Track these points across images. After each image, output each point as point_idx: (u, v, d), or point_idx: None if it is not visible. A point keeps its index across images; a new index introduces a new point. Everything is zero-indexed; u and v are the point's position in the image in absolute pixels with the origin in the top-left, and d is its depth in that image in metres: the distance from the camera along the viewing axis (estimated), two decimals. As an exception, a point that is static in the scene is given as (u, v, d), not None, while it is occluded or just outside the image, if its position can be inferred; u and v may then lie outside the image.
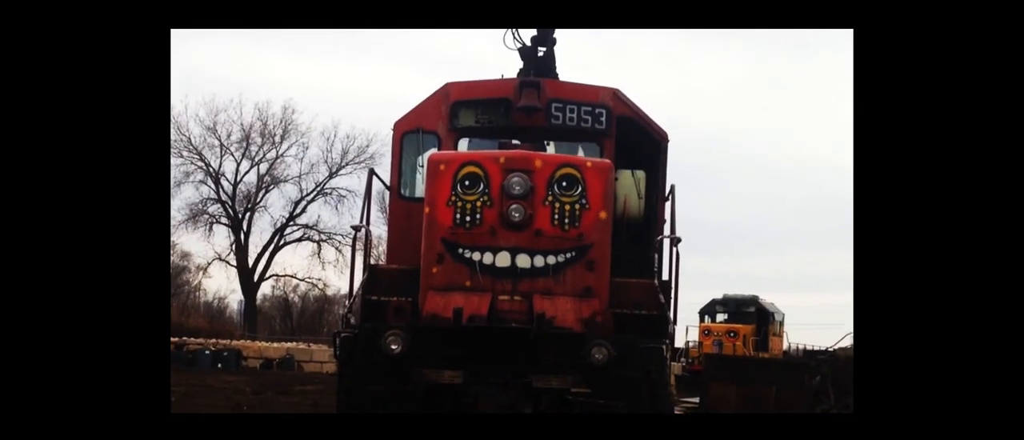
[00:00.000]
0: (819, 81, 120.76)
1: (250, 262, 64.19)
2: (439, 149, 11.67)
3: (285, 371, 41.67)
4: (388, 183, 12.22)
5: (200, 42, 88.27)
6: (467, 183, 10.26)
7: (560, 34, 12.73)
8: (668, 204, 11.65)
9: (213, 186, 63.22)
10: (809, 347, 40.92)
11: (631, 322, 10.41)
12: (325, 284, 67.31)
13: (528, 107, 11.54)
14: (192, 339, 45.35)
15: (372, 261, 11.87)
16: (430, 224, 10.33)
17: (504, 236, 10.20)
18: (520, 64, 12.56)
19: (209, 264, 65.48)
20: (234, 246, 64.08)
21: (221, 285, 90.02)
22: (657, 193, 11.90)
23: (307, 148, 63.52)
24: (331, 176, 63.67)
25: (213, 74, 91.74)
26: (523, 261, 10.19)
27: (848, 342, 28.42)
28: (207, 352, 42.28)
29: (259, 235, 64.88)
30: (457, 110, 11.93)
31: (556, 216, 10.21)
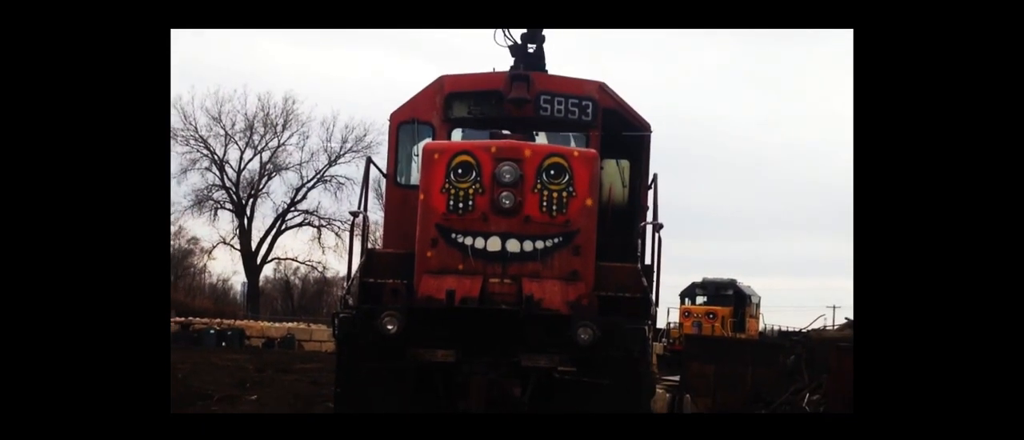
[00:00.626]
0: (803, 73, 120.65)
1: (253, 246, 64.07)
2: (433, 139, 11.67)
3: (286, 350, 41.67)
4: (385, 171, 12.22)
5: (205, 33, 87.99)
6: (460, 171, 10.26)
7: (549, 31, 12.75)
8: (651, 192, 11.65)
9: (218, 173, 63.15)
10: (784, 328, 41.07)
11: (615, 304, 10.41)
12: (325, 267, 67.25)
13: (518, 99, 11.55)
14: (198, 319, 45.29)
15: (369, 245, 11.83)
16: (425, 210, 10.34)
17: (495, 222, 10.21)
18: (512, 60, 12.55)
19: (214, 247, 65.55)
20: (238, 230, 64.00)
21: (225, 267, 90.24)
22: (640, 181, 11.94)
23: (307, 137, 63.49)
24: (330, 164, 63.56)
25: (218, 64, 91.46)
26: (513, 246, 10.21)
27: (820, 324, 28.56)
28: (212, 331, 42.21)
29: (262, 220, 64.86)
30: (450, 102, 11.94)
31: (544, 203, 10.22)
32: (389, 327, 9.72)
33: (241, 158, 63.50)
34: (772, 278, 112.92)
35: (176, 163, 58.71)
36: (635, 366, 10.01)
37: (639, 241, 11.67)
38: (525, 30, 12.57)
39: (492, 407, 9.61)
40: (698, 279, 45.88)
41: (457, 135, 12.03)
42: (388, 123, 12.16)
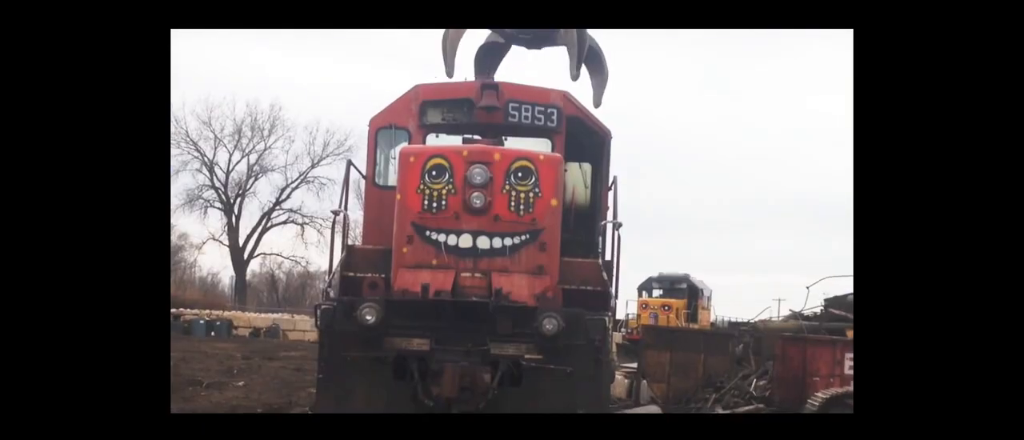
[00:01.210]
0: (761, 83, 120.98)
1: (240, 242, 64.04)
2: (409, 143, 11.65)
3: (271, 339, 41.50)
4: (364, 173, 12.18)
5: (198, 40, 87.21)
6: (434, 173, 10.25)
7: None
8: (611, 193, 11.70)
9: (208, 174, 63.17)
10: (733, 319, 41.22)
11: (578, 297, 10.43)
12: (307, 262, 67.36)
13: (488, 106, 11.57)
14: (188, 310, 45.01)
15: (349, 242, 11.79)
16: (401, 209, 10.31)
17: (466, 220, 10.20)
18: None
19: (204, 243, 65.64)
20: (226, 227, 64.03)
21: (214, 262, 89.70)
22: (601, 183, 11.96)
23: (292, 141, 64.37)
24: (313, 166, 63.66)
25: (209, 72, 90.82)
26: (483, 242, 10.20)
27: (766, 315, 28.66)
28: (202, 322, 42.06)
29: (248, 218, 64.95)
30: (425, 109, 11.92)
31: (512, 203, 10.23)
32: (368, 318, 9.72)
33: (230, 160, 63.81)
34: (723, 273, 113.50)
35: (169, 164, 58.36)
36: (596, 354, 10.04)
37: (600, 238, 11.69)
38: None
39: (464, 393, 9.63)
40: (654, 274, 45.93)
41: (432, 139, 12.01)
42: (367, 128, 12.12)
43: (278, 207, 64.39)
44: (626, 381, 21.39)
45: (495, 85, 11.78)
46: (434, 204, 10.21)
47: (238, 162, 63.70)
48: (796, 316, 23.90)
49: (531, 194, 10.25)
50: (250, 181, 64.04)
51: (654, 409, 18.84)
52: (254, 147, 63.64)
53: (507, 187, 10.22)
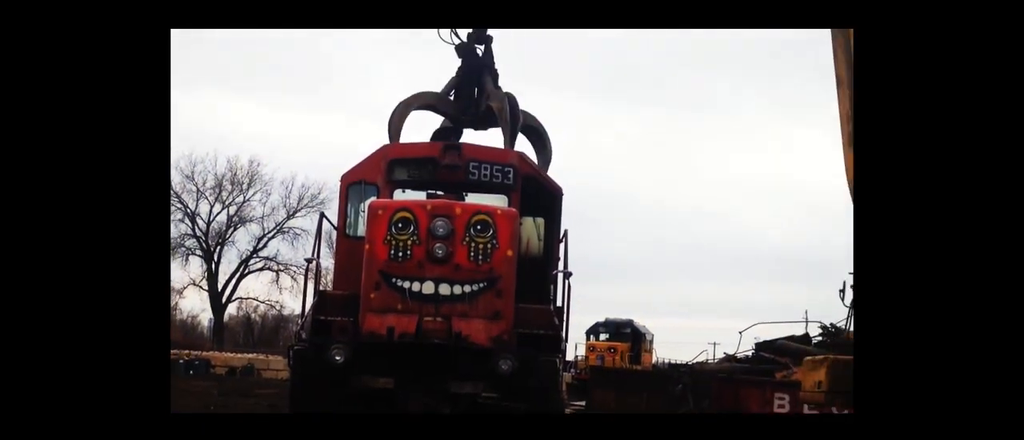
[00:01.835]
0: (699, 140, 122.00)
1: (219, 287, 63.45)
2: (378, 198, 11.67)
3: (247, 377, 40.97)
4: (335, 224, 12.19)
5: (184, 98, 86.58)
6: (400, 225, 10.28)
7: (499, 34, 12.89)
8: (562, 245, 11.77)
9: (190, 224, 62.68)
10: (673, 361, 41.30)
11: (531, 340, 10.46)
12: (282, 306, 66.63)
13: (451, 165, 11.68)
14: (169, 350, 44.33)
15: (321, 287, 11.77)
16: (369, 258, 10.32)
17: (429, 269, 10.22)
18: (457, 62, 12.68)
19: (185, 288, 64.57)
20: (206, 273, 63.36)
21: (194, 305, 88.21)
22: (554, 236, 12.05)
23: (269, 194, 63.32)
24: (289, 217, 63.31)
25: (191, 129, 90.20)
26: (444, 289, 10.22)
27: (703, 357, 28.80)
28: (181, 361, 41.40)
29: (227, 265, 64.33)
30: (393, 167, 11.97)
31: (472, 253, 10.27)
32: (338, 358, 9.73)
33: (210, 211, 63.35)
34: (664, 318, 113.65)
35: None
36: (547, 393, 10.08)
37: (552, 286, 11.76)
38: (471, 30, 12.66)
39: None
40: (601, 319, 46.02)
41: (398, 194, 12.05)
42: (339, 183, 12.16)
43: (255, 255, 64.03)
44: (575, 418, 21.32)
45: (457, 146, 11.98)
46: (400, 254, 10.23)
47: (218, 213, 63.39)
48: (730, 358, 24.04)
49: (489, 245, 10.30)
50: (229, 231, 63.67)
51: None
52: (233, 200, 63.44)
53: (467, 239, 10.28)
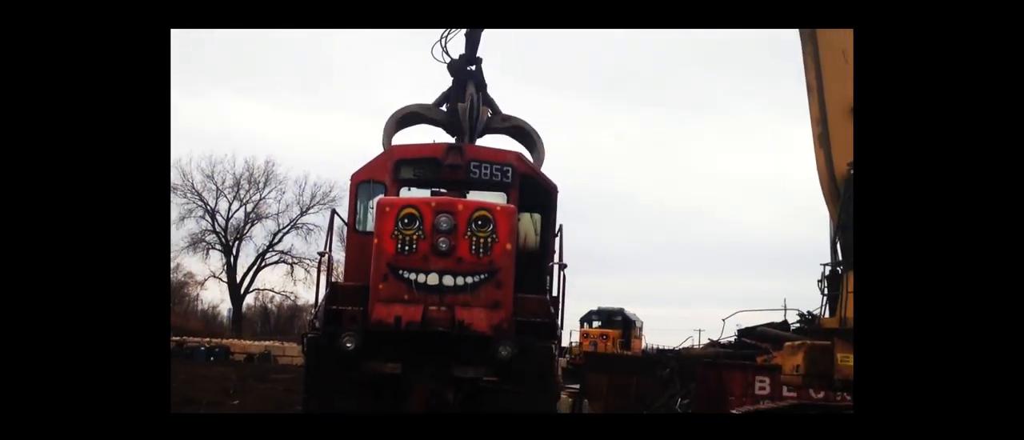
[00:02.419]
0: (699, 140, 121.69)
1: (238, 279, 63.52)
2: (385, 195, 11.68)
3: (264, 363, 40.97)
4: (346, 220, 12.18)
5: (203, 99, 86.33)
6: (406, 221, 10.27)
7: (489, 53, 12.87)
8: (557, 239, 11.77)
9: (210, 220, 62.75)
10: (661, 347, 41.31)
11: (529, 327, 10.46)
12: (296, 296, 66.83)
13: (453, 165, 11.69)
14: (191, 338, 44.35)
15: (333, 279, 11.76)
16: (378, 251, 10.30)
17: (434, 261, 10.21)
18: (450, 81, 12.71)
19: (205, 280, 65.05)
20: (225, 266, 63.47)
21: (214, 296, 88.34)
22: (550, 230, 12.05)
23: (284, 192, 63.55)
24: (302, 214, 63.39)
25: (213, 130, 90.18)
26: (448, 280, 10.21)
27: (689, 343, 28.75)
28: (202, 348, 41.47)
29: (245, 258, 64.48)
30: (399, 166, 11.97)
31: (473, 247, 10.26)
32: (348, 345, 9.72)
33: (229, 208, 63.45)
34: (652, 307, 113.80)
35: (175, 212, 58.17)
36: (544, 376, 10.07)
37: (548, 278, 11.75)
38: (463, 51, 12.67)
39: (431, 409, 9.61)
40: (594, 307, 46.03)
41: (404, 192, 12.05)
42: (349, 182, 12.16)
43: (271, 249, 64.11)
44: (570, 400, 21.31)
45: (459, 147, 11.96)
46: (406, 247, 10.22)
47: (237, 210, 63.51)
48: (714, 344, 24.01)
49: (489, 239, 10.29)
50: (247, 226, 63.77)
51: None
52: (251, 198, 63.52)
53: (469, 233, 10.26)
